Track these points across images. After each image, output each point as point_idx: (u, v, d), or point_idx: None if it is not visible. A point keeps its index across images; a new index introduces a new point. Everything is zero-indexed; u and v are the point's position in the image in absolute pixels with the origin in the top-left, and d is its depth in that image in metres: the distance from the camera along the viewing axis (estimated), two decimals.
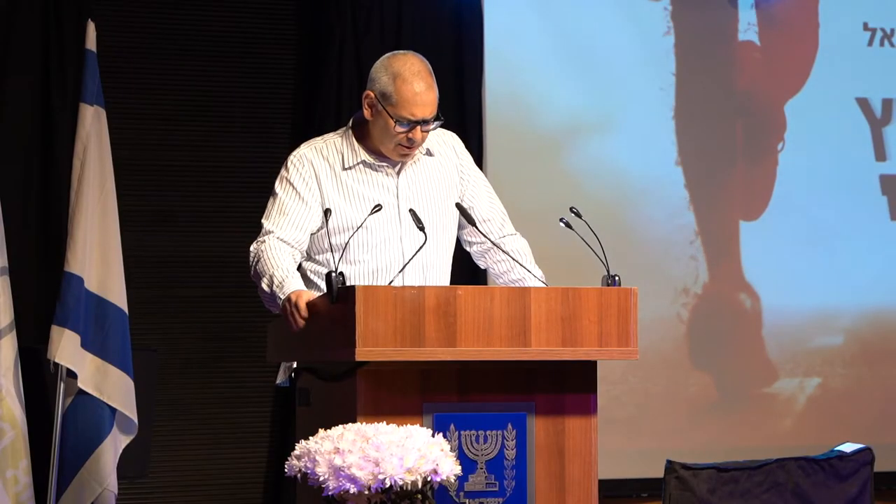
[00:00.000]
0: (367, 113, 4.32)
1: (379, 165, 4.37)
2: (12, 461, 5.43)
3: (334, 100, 6.77)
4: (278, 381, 4.49)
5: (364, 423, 3.67)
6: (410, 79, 4.24)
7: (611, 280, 4.09)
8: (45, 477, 5.55)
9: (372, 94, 4.30)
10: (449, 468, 3.62)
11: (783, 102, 7.49)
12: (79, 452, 5.58)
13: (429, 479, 3.59)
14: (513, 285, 4.46)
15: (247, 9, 6.82)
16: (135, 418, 5.64)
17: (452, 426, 3.89)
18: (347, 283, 3.89)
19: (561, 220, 4.23)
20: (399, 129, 4.26)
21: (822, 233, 7.46)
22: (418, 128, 4.27)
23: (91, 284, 5.61)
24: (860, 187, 7.54)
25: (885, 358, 7.54)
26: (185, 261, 6.71)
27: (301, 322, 3.99)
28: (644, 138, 7.27)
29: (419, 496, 3.61)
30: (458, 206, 4.40)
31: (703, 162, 7.37)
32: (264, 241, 4.27)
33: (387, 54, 4.35)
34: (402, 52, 4.34)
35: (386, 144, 4.32)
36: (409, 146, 4.31)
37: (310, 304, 4.00)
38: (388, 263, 4.32)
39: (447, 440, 3.77)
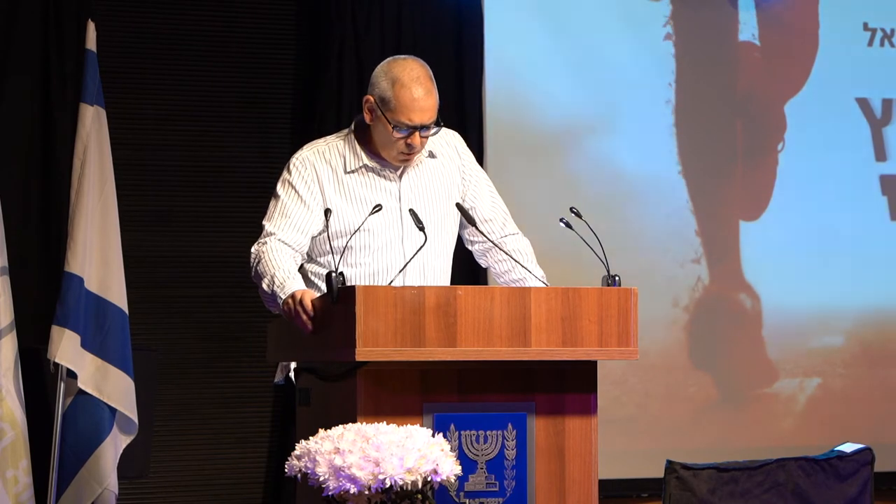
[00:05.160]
0: (367, 117, 4.32)
1: (381, 169, 4.36)
2: (12, 461, 5.43)
3: (334, 100, 6.77)
4: (276, 380, 4.50)
5: (364, 423, 3.68)
6: (409, 84, 4.23)
7: (611, 280, 4.10)
8: (45, 477, 5.55)
9: (371, 99, 4.29)
10: (449, 468, 3.62)
11: (783, 102, 7.49)
12: (79, 452, 5.57)
13: (429, 479, 3.59)
14: (514, 285, 4.46)
15: (247, 9, 6.82)
16: (135, 418, 5.64)
17: (452, 426, 3.89)
18: (347, 284, 3.90)
19: (561, 220, 4.23)
20: (397, 134, 4.26)
21: (821, 233, 7.46)
22: (417, 133, 4.26)
23: (91, 284, 5.61)
24: (860, 187, 7.54)
25: (885, 358, 7.54)
26: (185, 261, 6.71)
27: (309, 323, 3.98)
28: (644, 138, 7.27)
29: (419, 496, 3.61)
30: (459, 206, 4.40)
31: (703, 162, 7.37)
32: (266, 243, 4.27)
33: (388, 59, 4.33)
34: (402, 56, 4.33)
35: (386, 149, 4.32)
36: (409, 151, 4.30)
37: (312, 304, 4.00)
38: (388, 266, 4.32)
39: (447, 440, 3.78)
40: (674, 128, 7.33)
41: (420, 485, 3.59)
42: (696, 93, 7.37)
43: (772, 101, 7.49)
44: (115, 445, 5.63)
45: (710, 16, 7.42)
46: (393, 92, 4.24)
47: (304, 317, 3.98)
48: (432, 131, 4.30)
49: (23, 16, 6.32)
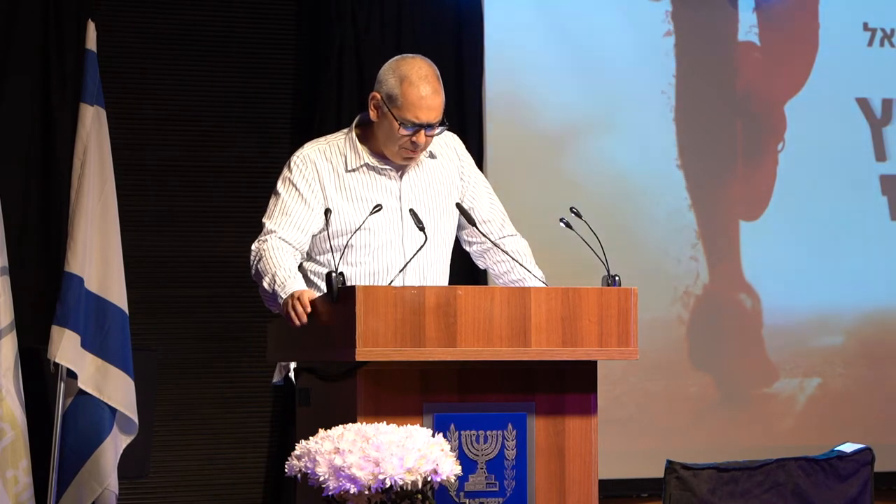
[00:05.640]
0: (372, 114, 4.32)
1: (382, 168, 4.36)
2: (12, 461, 5.42)
3: (334, 100, 6.77)
4: (274, 380, 4.50)
5: (364, 423, 3.68)
6: (417, 82, 4.24)
7: (611, 280, 4.10)
8: (45, 477, 5.54)
9: (378, 96, 4.29)
10: (449, 468, 3.62)
11: (783, 102, 7.50)
12: (79, 452, 5.57)
13: (429, 479, 3.59)
14: (513, 286, 4.46)
15: (246, 9, 6.82)
16: (135, 418, 5.64)
17: (452, 426, 3.89)
18: (347, 284, 3.90)
19: (561, 220, 4.23)
20: (403, 132, 4.26)
21: (822, 233, 7.46)
22: (422, 132, 4.26)
23: (91, 284, 5.60)
24: (860, 187, 7.54)
25: (885, 358, 7.54)
26: (184, 261, 6.71)
27: (304, 318, 3.98)
28: (644, 138, 7.27)
29: (419, 496, 3.61)
30: (459, 206, 4.41)
31: (703, 162, 7.37)
32: (266, 241, 4.26)
33: (396, 57, 4.34)
34: (410, 55, 4.33)
35: (390, 147, 4.32)
36: (413, 150, 4.30)
37: (311, 303, 4.00)
38: (388, 265, 4.33)
39: (447, 440, 3.78)
40: (674, 128, 7.33)
41: (420, 485, 3.59)
42: (696, 92, 7.37)
43: (772, 101, 7.49)
44: (115, 445, 5.62)
45: (710, 16, 7.42)
46: (401, 89, 4.24)
47: (299, 311, 3.98)
48: (437, 130, 4.31)
49: (23, 16, 6.32)
